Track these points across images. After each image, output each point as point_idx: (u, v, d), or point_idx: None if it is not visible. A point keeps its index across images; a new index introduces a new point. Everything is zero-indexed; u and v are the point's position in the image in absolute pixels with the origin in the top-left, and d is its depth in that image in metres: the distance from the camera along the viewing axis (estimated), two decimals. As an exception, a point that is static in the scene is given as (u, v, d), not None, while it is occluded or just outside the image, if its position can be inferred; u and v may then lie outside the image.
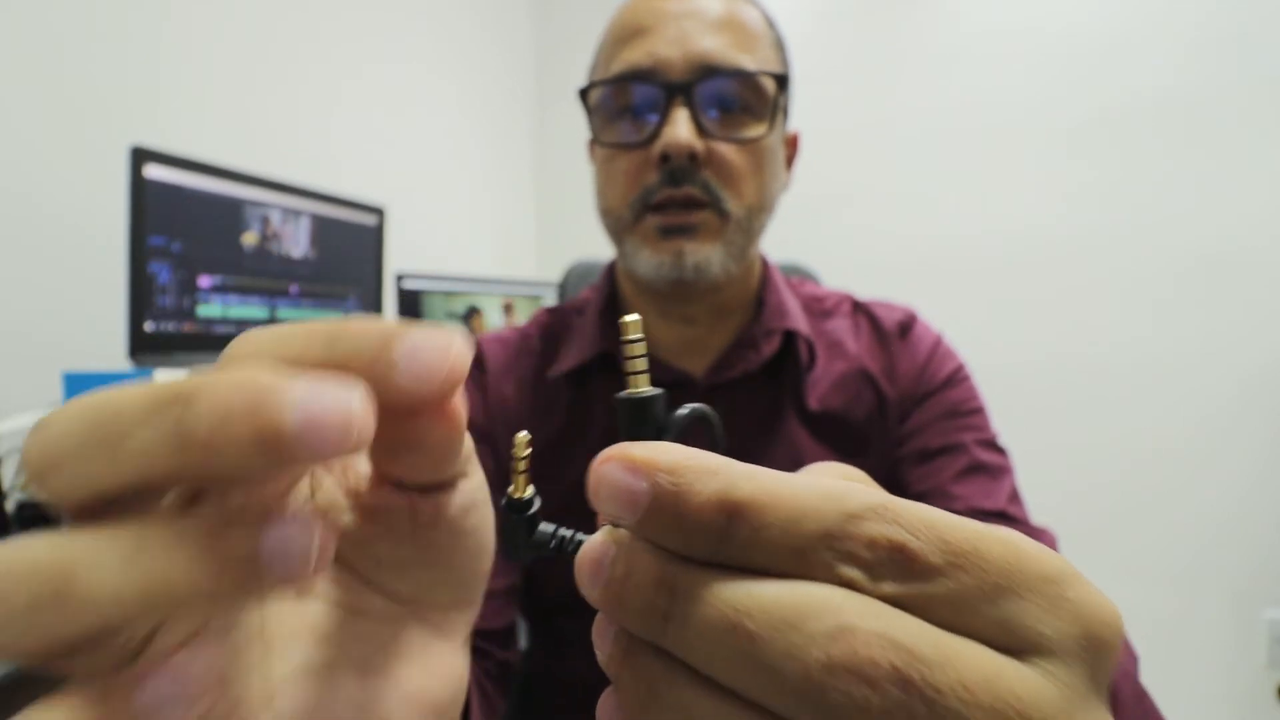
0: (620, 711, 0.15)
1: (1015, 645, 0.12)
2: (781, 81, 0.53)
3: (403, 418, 0.15)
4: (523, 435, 0.18)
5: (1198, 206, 1.45)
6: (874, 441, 0.58)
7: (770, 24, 0.57)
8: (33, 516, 0.73)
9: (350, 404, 0.12)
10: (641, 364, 0.17)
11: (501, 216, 1.98)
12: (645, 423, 0.17)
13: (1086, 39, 1.52)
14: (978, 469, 0.54)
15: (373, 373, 0.14)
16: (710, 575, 0.13)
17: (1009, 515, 0.52)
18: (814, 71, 1.77)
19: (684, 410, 0.18)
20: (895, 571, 0.13)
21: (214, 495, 0.14)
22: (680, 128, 0.49)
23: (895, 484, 0.57)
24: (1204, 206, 1.45)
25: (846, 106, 1.72)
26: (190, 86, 1.14)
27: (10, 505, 0.73)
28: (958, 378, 0.59)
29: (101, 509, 0.13)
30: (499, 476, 0.59)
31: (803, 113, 2.05)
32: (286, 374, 0.12)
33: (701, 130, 0.50)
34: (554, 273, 1.66)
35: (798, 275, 0.90)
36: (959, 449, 0.55)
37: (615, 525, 0.15)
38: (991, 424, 0.59)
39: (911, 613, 0.12)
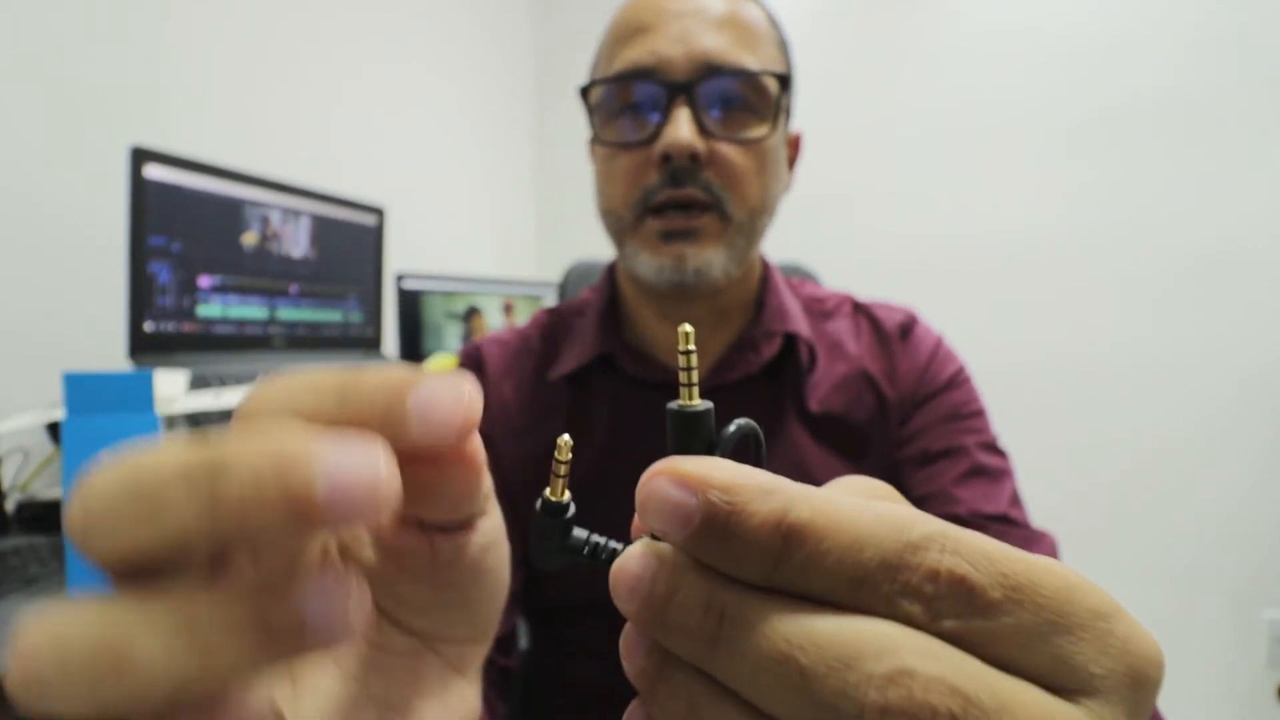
0: None
1: (1067, 684, 0.13)
2: (784, 81, 0.53)
3: (421, 463, 0.16)
4: (565, 439, 0.18)
5: (1198, 206, 1.45)
6: (874, 443, 0.57)
7: (774, 23, 0.57)
8: (33, 517, 0.73)
9: (377, 469, 0.13)
10: (694, 375, 0.17)
11: (501, 216, 1.98)
12: (697, 437, 0.16)
13: (1086, 39, 1.52)
14: (979, 472, 0.54)
15: (388, 426, 0.14)
16: (764, 602, 0.13)
17: (1010, 519, 0.52)
18: (814, 71, 1.77)
19: (733, 427, 0.17)
20: (956, 606, 0.12)
21: (248, 554, 0.15)
22: (682, 127, 0.49)
23: (896, 486, 0.56)
24: (1204, 206, 1.45)
25: (846, 106, 1.72)
26: (190, 86, 1.14)
27: (10, 505, 0.73)
28: (958, 380, 0.59)
29: (141, 570, 0.13)
30: (500, 479, 0.59)
31: (803, 112, 2.04)
32: (312, 439, 0.12)
33: (703, 130, 0.50)
34: (554, 273, 1.66)
35: (798, 275, 0.90)
36: (960, 452, 0.55)
37: (655, 538, 0.15)
38: (991, 426, 0.59)
39: (971, 649, 0.12)
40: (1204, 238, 1.45)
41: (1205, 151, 1.44)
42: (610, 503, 0.39)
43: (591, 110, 0.55)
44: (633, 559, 0.14)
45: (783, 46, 0.57)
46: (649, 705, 0.15)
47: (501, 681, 0.53)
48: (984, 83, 1.61)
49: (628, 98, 0.52)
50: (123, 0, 1.04)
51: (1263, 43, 1.40)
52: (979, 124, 1.62)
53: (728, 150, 0.51)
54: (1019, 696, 0.12)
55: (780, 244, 0.82)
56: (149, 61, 1.08)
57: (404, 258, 1.47)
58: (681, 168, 0.50)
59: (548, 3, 2.07)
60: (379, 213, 1.17)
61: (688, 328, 0.16)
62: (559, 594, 0.59)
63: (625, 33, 0.53)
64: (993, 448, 0.56)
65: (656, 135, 0.50)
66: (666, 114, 0.50)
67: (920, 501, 0.53)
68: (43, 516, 0.72)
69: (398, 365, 0.15)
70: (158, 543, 0.13)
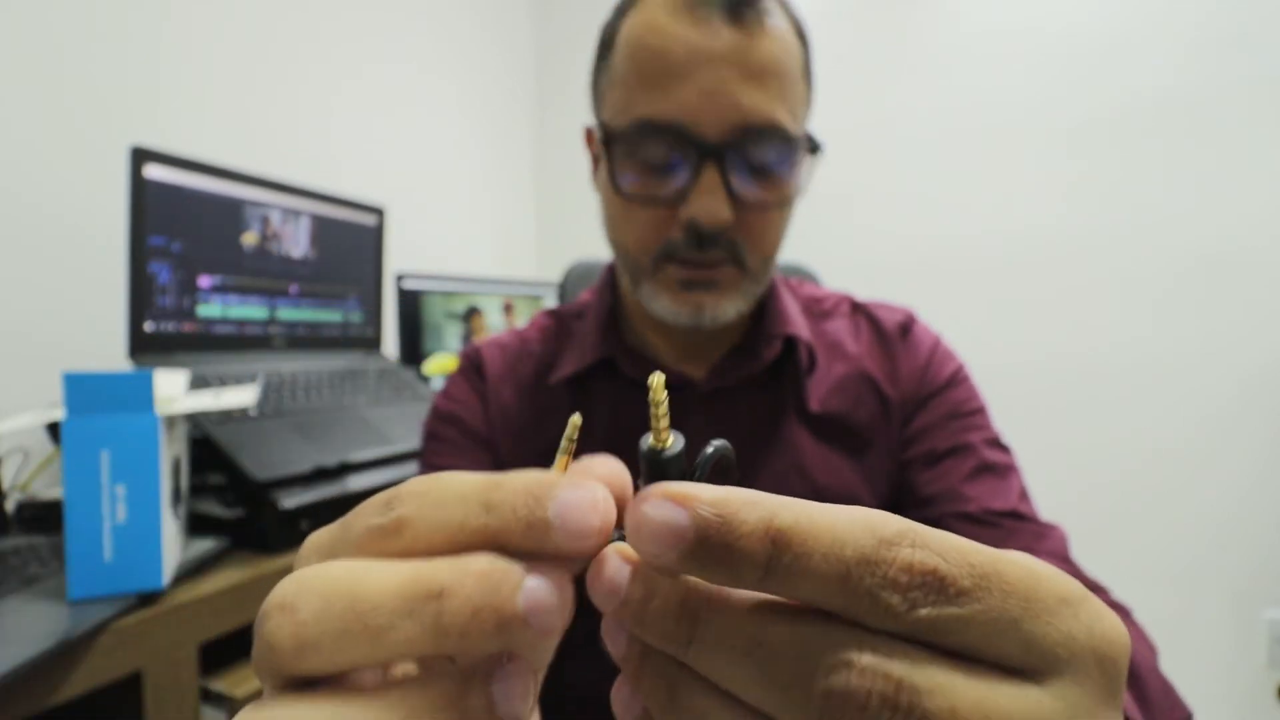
0: (635, 703, 0.17)
1: (1037, 666, 0.14)
2: (815, 146, 0.52)
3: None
4: (576, 419, 0.19)
5: (1198, 206, 1.45)
6: (877, 443, 0.57)
7: (801, 36, 0.53)
8: (33, 517, 0.73)
9: (566, 592, 0.15)
10: (666, 420, 0.18)
11: (501, 216, 1.98)
12: (669, 477, 0.18)
13: (1086, 39, 1.52)
14: (987, 469, 0.54)
15: (530, 536, 0.15)
16: (729, 604, 0.15)
17: (1021, 514, 0.52)
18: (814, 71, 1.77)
19: (708, 450, 0.18)
20: (930, 595, 0.14)
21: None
22: (716, 201, 0.47)
23: (904, 487, 0.57)
24: (1204, 206, 1.45)
25: (846, 106, 1.72)
26: (190, 86, 1.14)
27: (10, 505, 0.73)
28: (958, 378, 0.59)
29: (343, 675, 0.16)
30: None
31: (803, 113, 2.00)
32: (514, 568, 0.15)
33: (734, 197, 0.48)
34: (554, 273, 1.66)
35: (797, 276, 0.91)
36: (967, 449, 0.55)
37: (658, 567, 0.16)
38: (993, 422, 0.59)
39: (946, 636, 0.14)
40: (1204, 238, 1.45)
41: (1205, 151, 1.45)
42: None
43: (607, 144, 0.51)
44: (609, 565, 0.16)
45: (808, 72, 0.53)
46: (633, 686, 0.17)
47: None
48: (984, 83, 1.61)
49: (651, 149, 0.49)
50: (123, 0, 1.04)
51: (1263, 43, 1.40)
52: (979, 124, 1.62)
53: (754, 214, 0.50)
54: (955, 678, 0.13)
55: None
56: (149, 61, 1.08)
57: (404, 258, 1.47)
58: (708, 235, 0.48)
59: (548, 3, 2.07)
60: (379, 213, 1.17)
61: (659, 377, 0.17)
62: None
63: (650, 71, 0.48)
64: (997, 444, 0.57)
65: (684, 196, 0.48)
66: (695, 176, 0.47)
67: (928, 501, 0.53)
68: (43, 516, 0.72)
69: (536, 472, 0.17)
70: (380, 659, 0.15)
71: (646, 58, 0.48)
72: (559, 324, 0.64)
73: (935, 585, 0.14)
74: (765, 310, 0.59)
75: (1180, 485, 1.48)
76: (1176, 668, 1.66)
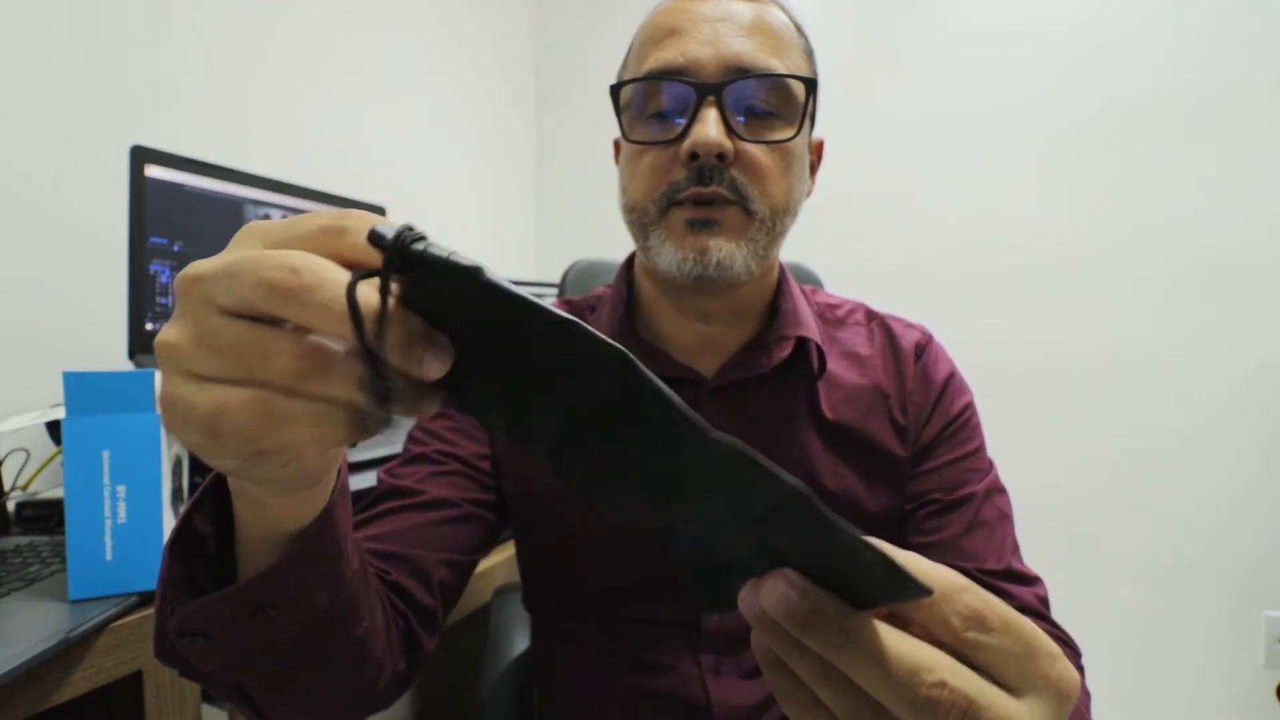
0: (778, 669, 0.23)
1: (1023, 688, 0.22)
2: (810, 85, 0.53)
3: None
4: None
5: (1198, 206, 1.46)
6: (886, 463, 0.58)
7: (801, 31, 0.57)
8: (33, 516, 0.73)
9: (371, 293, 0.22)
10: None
11: (501, 216, 1.98)
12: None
13: (1086, 39, 1.52)
14: (983, 525, 0.56)
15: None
16: (870, 625, 0.21)
17: (1012, 571, 0.55)
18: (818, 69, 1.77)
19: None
20: (975, 626, 0.22)
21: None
22: (710, 127, 0.49)
23: (904, 518, 0.59)
24: (1204, 206, 1.45)
25: (846, 107, 1.72)
26: (190, 86, 1.14)
27: (10, 505, 0.73)
28: (967, 414, 0.61)
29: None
30: (509, 474, 0.60)
31: (803, 113, 2.00)
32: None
33: (731, 131, 0.51)
34: (554, 273, 1.66)
35: (798, 277, 0.91)
36: (969, 501, 0.57)
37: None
38: (987, 452, 0.61)
39: (977, 654, 0.22)
40: (1204, 238, 1.45)
41: (1205, 151, 1.45)
42: None
43: (620, 109, 0.56)
44: (786, 584, 0.21)
45: (808, 54, 0.57)
46: (778, 672, 0.23)
47: (425, 620, 0.51)
48: (984, 83, 1.61)
49: (657, 98, 0.53)
50: (123, 0, 1.04)
51: (1263, 43, 1.40)
52: (979, 124, 1.62)
53: (753, 151, 0.51)
54: (998, 697, 0.21)
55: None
56: (149, 61, 1.08)
57: (404, 258, 1.47)
58: (708, 166, 0.50)
59: (548, 3, 2.07)
60: (380, 212, 1.17)
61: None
62: (561, 589, 0.60)
63: (657, 35, 0.54)
64: (995, 488, 0.59)
65: (685, 134, 0.51)
66: (695, 114, 0.51)
67: (928, 547, 0.56)
68: (43, 516, 0.73)
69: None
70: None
71: (656, 26, 0.55)
72: (573, 313, 0.64)
73: (980, 621, 0.22)
74: (778, 311, 0.60)
75: (1180, 485, 1.48)
76: (1176, 667, 1.66)
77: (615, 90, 0.55)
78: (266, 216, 0.97)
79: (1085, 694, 0.48)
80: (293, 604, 0.34)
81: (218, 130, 1.18)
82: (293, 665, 0.37)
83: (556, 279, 1.02)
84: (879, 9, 1.72)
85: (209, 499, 0.33)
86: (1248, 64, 1.41)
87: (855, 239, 1.72)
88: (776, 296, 0.61)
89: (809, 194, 0.60)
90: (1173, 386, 1.48)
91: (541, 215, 2.12)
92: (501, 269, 1.99)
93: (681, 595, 0.56)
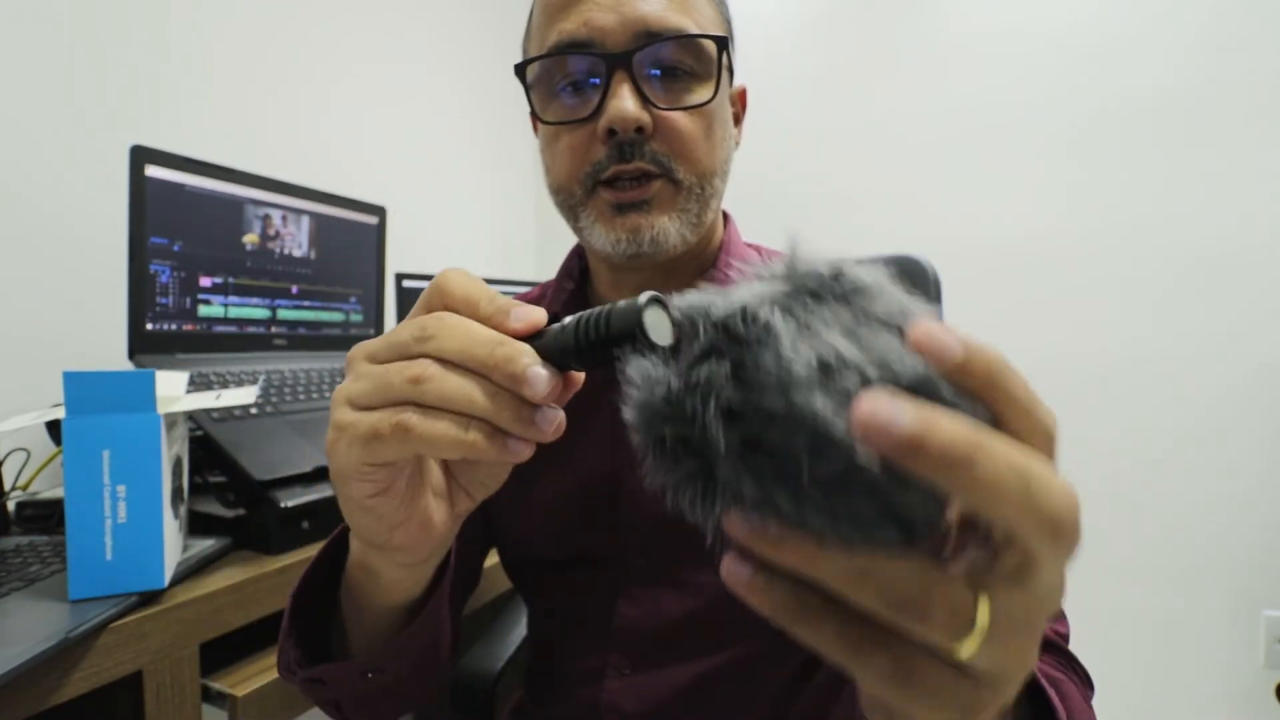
0: (743, 570, 0.21)
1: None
2: (722, 42, 0.51)
3: None
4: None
5: (1198, 206, 1.45)
6: None
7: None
8: (33, 516, 0.73)
9: (556, 380, 0.31)
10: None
11: (501, 216, 1.98)
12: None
13: (1086, 39, 1.52)
14: None
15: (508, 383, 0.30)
16: (998, 438, 0.18)
17: None
18: (814, 72, 1.77)
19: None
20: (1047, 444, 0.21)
21: None
22: (625, 101, 0.48)
23: None
24: (1204, 206, 1.45)
25: (846, 107, 1.72)
26: (190, 86, 1.14)
27: (11, 505, 0.73)
28: None
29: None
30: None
31: (803, 113, 2.04)
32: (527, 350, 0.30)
33: (646, 100, 0.49)
34: (553, 273, 1.66)
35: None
36: None
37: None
38: None
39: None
40: (1204, 238, 1.45)
41: (1205, 151, 1.44)
42: (560, 469, 0.54)
43: (529, 88, 0.53)
44: (888, 403, 0.18)
45: (720, 3, 0.55)
46: (764, 589, 0.21)
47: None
48: (984, 83, 1.61)
49: (565, 72, 0.51)
50: (124, 1, 1.04)
51: (1263, 43, 1.40)
52: (979, 124, 1.62)
53: (673, 118, 0.50)
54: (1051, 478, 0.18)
55: (782, 244, 0.82)
56: (149, 61, 1.08)
57: (404, 258, 1.47)
58: (627, 141, 0.49)
59: (548, 3, 2.07)
60: (380, 212, 1.17)
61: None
62: (532, 549, 0.60)
63: (555, 5, 0.51)
64: None
65: (599, 110, 0.49)
66: (607, 86, 0.48)
67: None
68: (43, 516, 0.73)
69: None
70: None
71: None
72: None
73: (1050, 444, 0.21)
74: (716, 265, 0.58)
75: (1180, 485, 1.48)
76: (1176, 667, 1.66)
77: (520, 69, 0.53)
78: (266, 216, 0.97)
79: (1089, 706, 0.45)
80: (397, 668, 0.45)
81: (218, 130, 1.18)
82: (386, 696, 0.47)
83: (556, 279, 1.02)
84: (879, 9, 1.72)
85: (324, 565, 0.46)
86: (1248, 64, 1.41)
87: (855, 239, 1.72)
88: (717, 255, 0.59)
89: (737, 145, 0.58)
90: (1172, 386, 1.48)
91: (541, 215, 2.12)
92: (502, 269, 1.99)
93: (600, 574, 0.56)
